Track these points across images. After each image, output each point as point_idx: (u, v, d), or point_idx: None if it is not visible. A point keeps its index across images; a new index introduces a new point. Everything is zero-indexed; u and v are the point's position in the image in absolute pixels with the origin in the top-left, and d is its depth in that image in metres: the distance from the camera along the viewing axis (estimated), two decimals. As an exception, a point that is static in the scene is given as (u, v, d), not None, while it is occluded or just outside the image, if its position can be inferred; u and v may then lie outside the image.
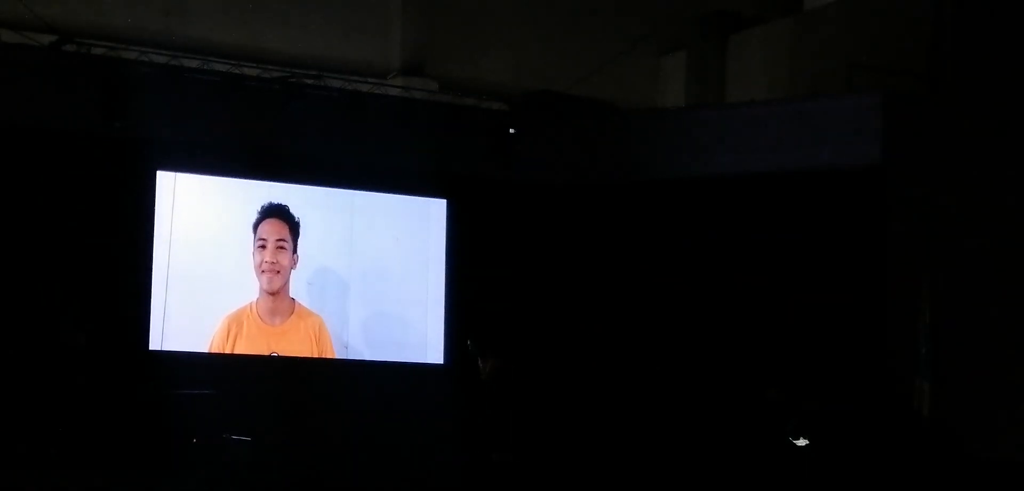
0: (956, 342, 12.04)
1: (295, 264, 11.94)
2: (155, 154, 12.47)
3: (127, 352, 12.07)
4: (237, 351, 11.94)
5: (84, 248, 12.11)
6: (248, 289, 12.57)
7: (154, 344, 12.31)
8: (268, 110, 12.86)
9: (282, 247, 11.90)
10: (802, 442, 11.44)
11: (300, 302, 12.42)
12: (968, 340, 12.27)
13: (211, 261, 12.54)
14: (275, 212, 11.68)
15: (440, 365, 13.48)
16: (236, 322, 11.79)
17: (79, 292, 11.94)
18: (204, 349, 12.46)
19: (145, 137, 12.35)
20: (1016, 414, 12.40)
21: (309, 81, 13.40)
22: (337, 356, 12.92)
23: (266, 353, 12.21)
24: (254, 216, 11.89)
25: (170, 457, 11.26)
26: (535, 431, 12.52)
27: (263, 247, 11.82)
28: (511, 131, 13.75)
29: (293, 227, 11.93)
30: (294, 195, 12.90)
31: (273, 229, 11.82)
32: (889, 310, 12.44)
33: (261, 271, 11.84)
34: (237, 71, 13.21)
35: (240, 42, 14.56)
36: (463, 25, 15.99)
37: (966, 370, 12.14)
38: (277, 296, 12.21)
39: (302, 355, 12.56)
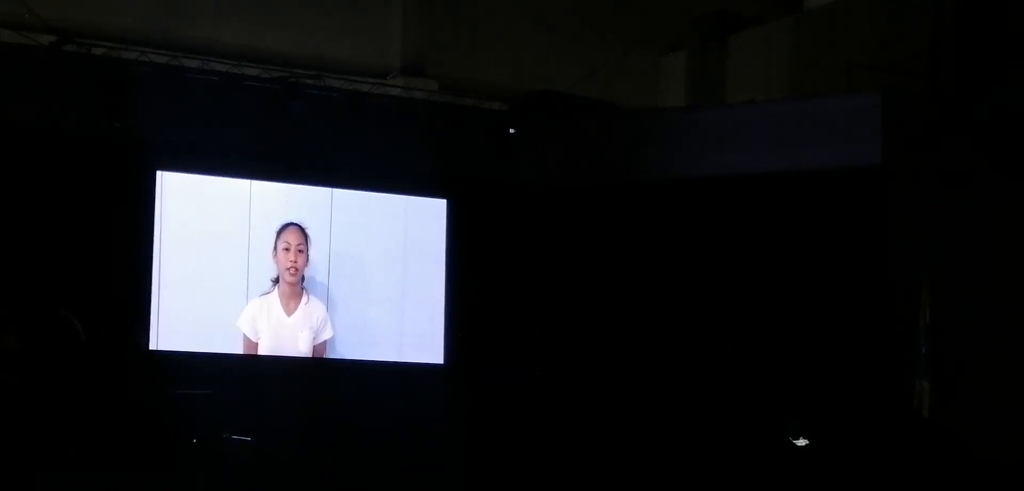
0: (956, 342, 12.04)
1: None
2: (155, 154, 12.47)
3: (127, 352, 12.07)
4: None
5: (84, 248, 12.11)
6: (250, 287, 12.77)
7: (153, 344, 12.33)
8: (268, 110, 12.87)
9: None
10: (802, 442, 11.43)
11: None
12: (968, 340, 12.27)
13: (211, 260, 12.62)
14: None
15: (440, 365, 13.50)
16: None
17: (79, 292, 11.94)
18: (206, 349, 12.52)
19: (145, 137, 12.33)
20: (1016, 414, 12.40)
21: (309, 81, 13.40)
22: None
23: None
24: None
25: (170, 457, 11.26)
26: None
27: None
28: (511, 131, 13.74)
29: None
30: (294, 195, 13.00)
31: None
32: (889, 310, 12.44)
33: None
34: (237, 71, 13.21)
35: (240, 42, 14.56)
36: (463, 25, 16.00)
37: (966, 370, 12.14)
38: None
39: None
